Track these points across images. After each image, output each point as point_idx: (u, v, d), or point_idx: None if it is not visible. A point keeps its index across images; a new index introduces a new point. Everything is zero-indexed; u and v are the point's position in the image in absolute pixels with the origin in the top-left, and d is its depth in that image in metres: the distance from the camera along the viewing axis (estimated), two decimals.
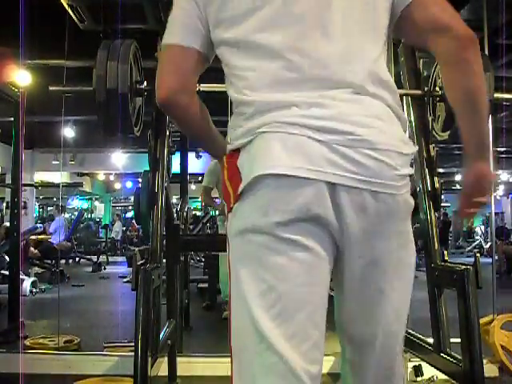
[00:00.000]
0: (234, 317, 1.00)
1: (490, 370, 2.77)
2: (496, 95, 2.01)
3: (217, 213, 5.64)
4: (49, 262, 7.72)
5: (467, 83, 1.01)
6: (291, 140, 0.92)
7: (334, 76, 0.96)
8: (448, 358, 1.91)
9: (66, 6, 4.34)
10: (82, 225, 13.67)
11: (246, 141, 0.97)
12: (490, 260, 3.64)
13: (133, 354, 1.72)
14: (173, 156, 3.72)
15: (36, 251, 7.60)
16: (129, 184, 15.79)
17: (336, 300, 1.07)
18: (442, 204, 2.15)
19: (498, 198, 16.43)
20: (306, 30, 0.97)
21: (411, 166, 1.03)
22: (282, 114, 0.94)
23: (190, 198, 6.45)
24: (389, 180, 0.94)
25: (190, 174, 3.81)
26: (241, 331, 0.98)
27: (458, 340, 1.79)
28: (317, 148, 0.91)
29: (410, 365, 2.84)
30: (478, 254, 1.94)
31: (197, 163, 10.56)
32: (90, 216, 18.61)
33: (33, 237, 7.97)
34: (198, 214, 13.74)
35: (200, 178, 14.08)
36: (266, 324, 0.92)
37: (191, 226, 7.63)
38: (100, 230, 15.56)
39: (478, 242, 15.84)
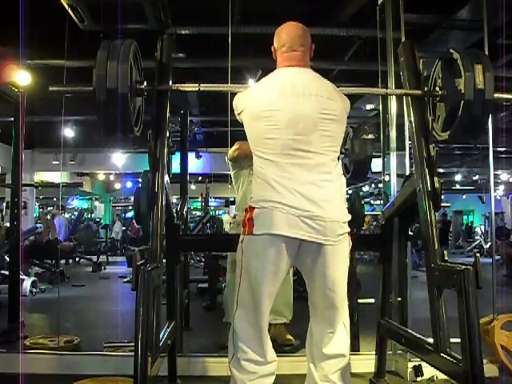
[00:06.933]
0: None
1: (490, 370, 2.78)
2: (496, 95, 1.99)
3: (217, 213, 5.65)
4: (49, 261, 7.72)
5: None
6: (282, 216, 1.80)
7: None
8: (448, 357, 1.90)
9: (66, 6, 4.35)
10: (82, 225, 13.66)
11: (259, 207, 1.84)
12: (490, 260, 3.63)
13: (133, 354, 1.72)
14: (173, 156, 3.73)
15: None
16: (129, 184, 15.79)
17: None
18: (442, 204, 2.15)
19: (497, 197, 16.44)
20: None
21: (349, 225, 1.91)
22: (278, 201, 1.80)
23: (190, 197, 6.44)
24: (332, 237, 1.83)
25: (190, 174, 3.80)
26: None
27: (458, 340, 1.79)
28: (293, 220, 1.79)
29: (410, 365, 2.84)
30: (478, 254, 1.94)
31: (197, 163, 10.57)
32: (90, 216, 18.60)
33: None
34: (198, 213, 13.73)
35: (200, 178, 14.12)
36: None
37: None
38: (100, 229, 15.54)
39: (478, 242, 15.85)
